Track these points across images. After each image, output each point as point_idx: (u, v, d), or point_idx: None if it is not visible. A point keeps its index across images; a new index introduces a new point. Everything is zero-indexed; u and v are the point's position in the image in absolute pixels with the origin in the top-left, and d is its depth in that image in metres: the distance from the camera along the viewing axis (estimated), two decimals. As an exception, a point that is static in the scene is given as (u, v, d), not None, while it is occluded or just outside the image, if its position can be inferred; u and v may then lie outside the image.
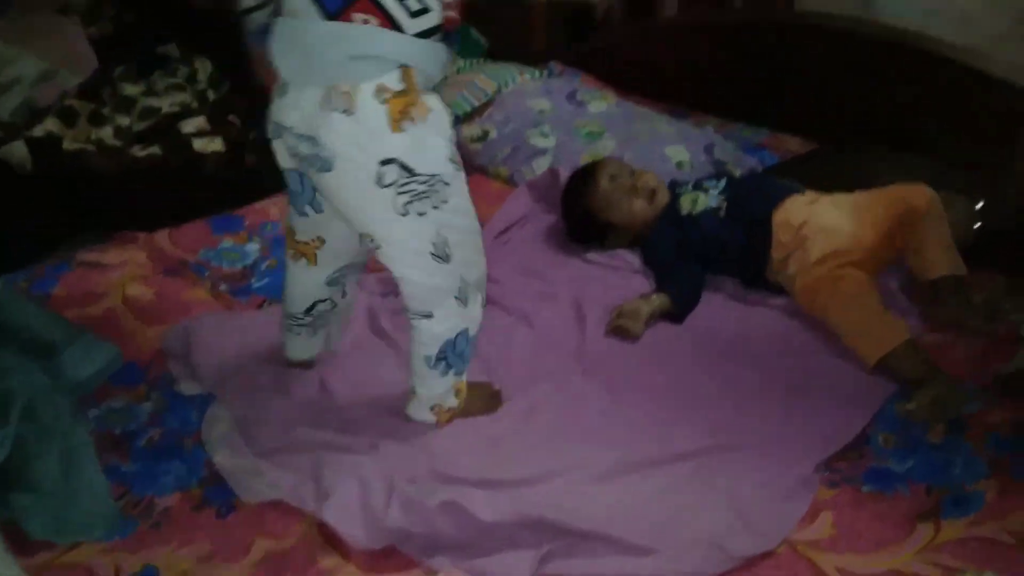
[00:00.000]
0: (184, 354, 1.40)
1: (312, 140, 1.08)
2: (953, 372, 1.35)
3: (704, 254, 1.59)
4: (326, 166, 1.08)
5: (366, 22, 1.04)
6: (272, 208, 1.86)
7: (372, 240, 1.15)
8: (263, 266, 1.69)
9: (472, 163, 1.99)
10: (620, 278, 1.62)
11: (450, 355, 1.22)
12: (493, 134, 2.04)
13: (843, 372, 1.37)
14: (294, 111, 1.09)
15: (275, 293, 1.61)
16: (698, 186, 1.70)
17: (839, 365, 1.38)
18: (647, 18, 2.37)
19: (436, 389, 1.24)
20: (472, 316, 1.22)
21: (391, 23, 1.05)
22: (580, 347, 1.44)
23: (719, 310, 1.53)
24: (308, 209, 1.22)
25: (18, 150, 1.95)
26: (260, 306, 1.58)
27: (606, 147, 1.95)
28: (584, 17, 2.48)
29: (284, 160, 1.17)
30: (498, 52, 2.53)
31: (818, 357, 1.41)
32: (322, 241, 1.26)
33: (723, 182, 1.69)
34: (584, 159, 1.86)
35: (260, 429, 1.24)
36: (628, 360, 1.41)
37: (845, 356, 1.39)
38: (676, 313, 1.51)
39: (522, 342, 1.45)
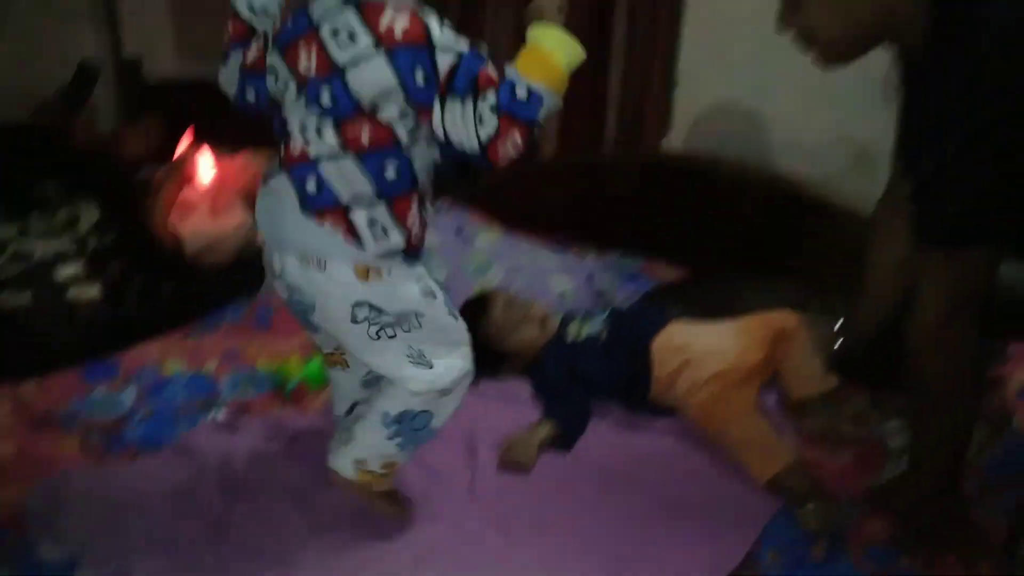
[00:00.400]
0: (48, 515, 1.30)
1: (295, 289, 1.20)
2: (827, 487, 1.41)
3: (589, 380, 1.63)
4: (310, 308, 1.22)
5: (335, 229, 1.15)
6: (151, 352, 1.80)
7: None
8: (138, 415, 1.61)
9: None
10: (511, 409, 1.63)
11: (405, 424, 1.25)
12: (382, 270, 2.07)
13: (728, 493, 1.41)
14: (278, 265, 1.21)
15: (151, 443, 1.53)
16: (587, 315, 1.77)
17: (724, 486, 1.43)
18: (529, 158, 2.50)
19: (374, 447, 1.26)
20: (443, 407, 1.27)
21: (357, 240, 1.15)
22: (471, 484, 1.43)
23: (606, 436, 1.56)
24: (313, 329, 1.30)
25: None
26: (134, 458, 1.50)
27: (493, 278, 2.01)
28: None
29: (282, 293, 1.26)
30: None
31: (705, 479, 1.45)
32: (343, 349, 1.31)
33: (608, 311, 1.76)
34: (474, 291, 1.90)
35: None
36: (521, 495, 1.41)
37: (728, 477, 1.43)
38: (564, 440, 1.53)
39: (412, 482, 1.43)
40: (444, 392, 1.25)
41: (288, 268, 1.19)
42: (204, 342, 1.86)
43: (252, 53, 1.23)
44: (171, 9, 3.39)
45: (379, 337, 1.20)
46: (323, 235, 1.15)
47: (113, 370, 1.73)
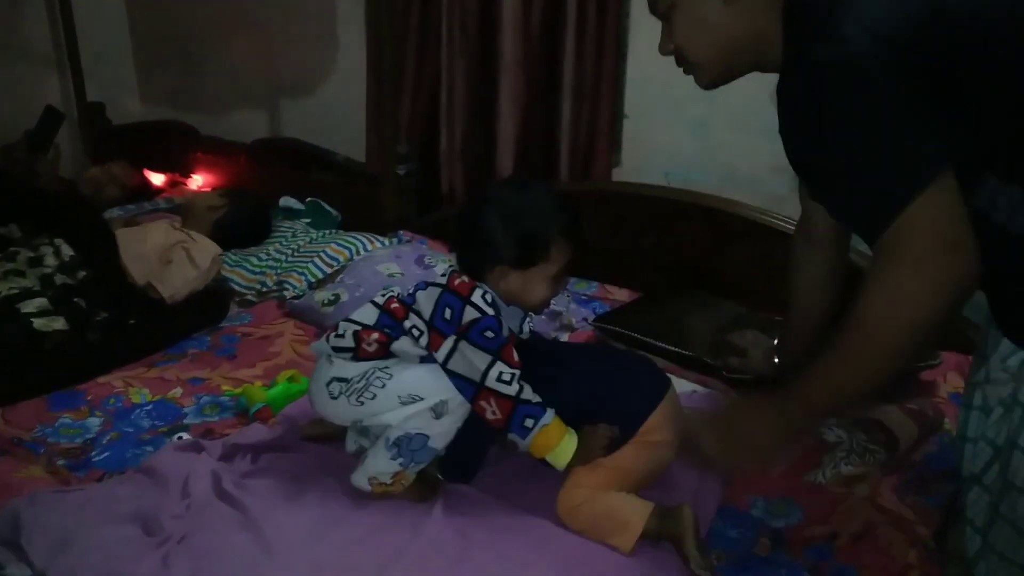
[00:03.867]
0: (13, 536, 1.32)
1: None
2: (768, 488, 1.48)
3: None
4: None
5: None
6: (116, 382, 1.84)
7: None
8: (104, 439, 1.64)
9: (323, 326, 2.06)
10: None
11: (403, 446, 1.36)
12: (344, 297, 2.13)
13: (681, 475, 1.45)
14: None
15: (116, 466, 1.56)
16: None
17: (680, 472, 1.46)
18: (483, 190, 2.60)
19: (380, 466, 1.38)
20: (439, 430, 1.37)
21: None
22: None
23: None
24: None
25: None
26: (100, 479, 1.53)
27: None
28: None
29: None
30: (351, 224, 2.68)
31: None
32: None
33: None
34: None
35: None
36: (482, 505, 1.45)
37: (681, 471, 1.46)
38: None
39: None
40: (438, 413, 1.36)
41: None
42: (168, 371, 1.90)
43: None
44: (135, 55, 3.47)
45: (362, 403, 1.38)
46: None
47: (78, 399, 1.76)
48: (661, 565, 1.30)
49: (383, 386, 1.38)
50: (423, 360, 1.40)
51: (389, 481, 1.39)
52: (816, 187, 1.22)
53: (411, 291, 1.46)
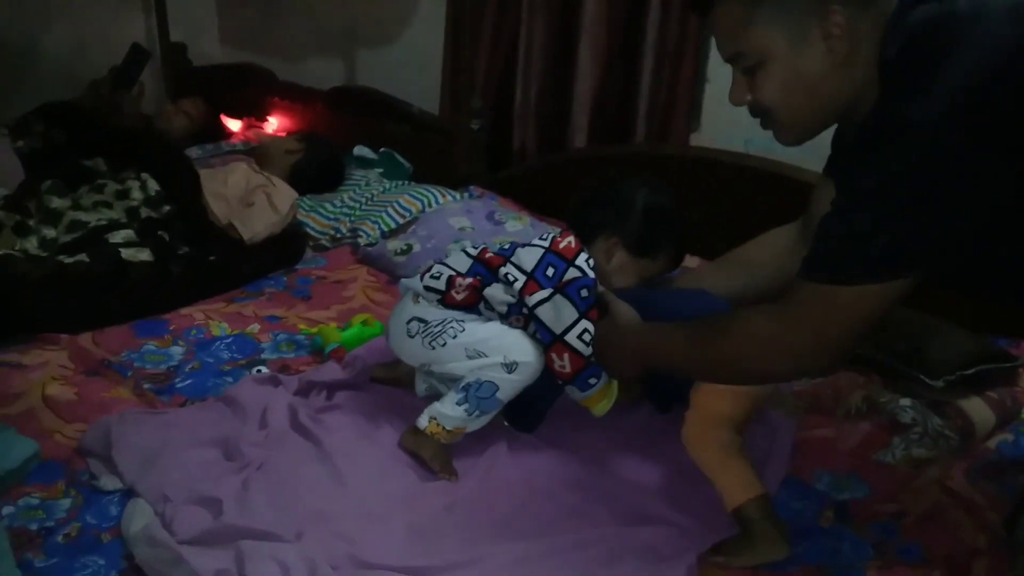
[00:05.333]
0: (104, 450, 1.40)
1: None
2: (835, 464, 1.47)
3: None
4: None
5: None
6: (197, 314, 1.90)
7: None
8: (187, 368, 1.71)
9: (395, 274, 2.10)
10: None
11: (471, 392, 1.40)
12: (416, 247, 2.16)
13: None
14: None
15: (198, 393, 1.63)
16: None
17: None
18: (559, 150, 2.59)
19: (446, 409, 1.42)
20: (508, 384, 1.40)
21: None
22: (491, 444, 1.48)
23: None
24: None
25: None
26: (183, 405, 1.60)
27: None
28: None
29: None
30: (422, 176, 2.71)
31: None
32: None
33: None
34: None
35: (183, 520, 1.24)
36: (542, 453, 1.48)
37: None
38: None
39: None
40: (509, 369, 1.39)
41: None
42: (246, 308, 1.96)
43: None
44: (216, -2, 3.51)
45: (434, 348, 1.43)
46: None
47: (162, 327, 1.84)
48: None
49: (454, 336, 1.42)
50: (503, 318, 1.44)
51: (449, 427, 1.42)
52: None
53: (507, 248, 1.50)
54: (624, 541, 1.28)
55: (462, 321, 1.44)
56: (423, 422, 1.44)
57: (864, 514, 1.38)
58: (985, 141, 0.97)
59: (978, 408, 1.54)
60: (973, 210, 1.00)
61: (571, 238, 1.45)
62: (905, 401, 1.56)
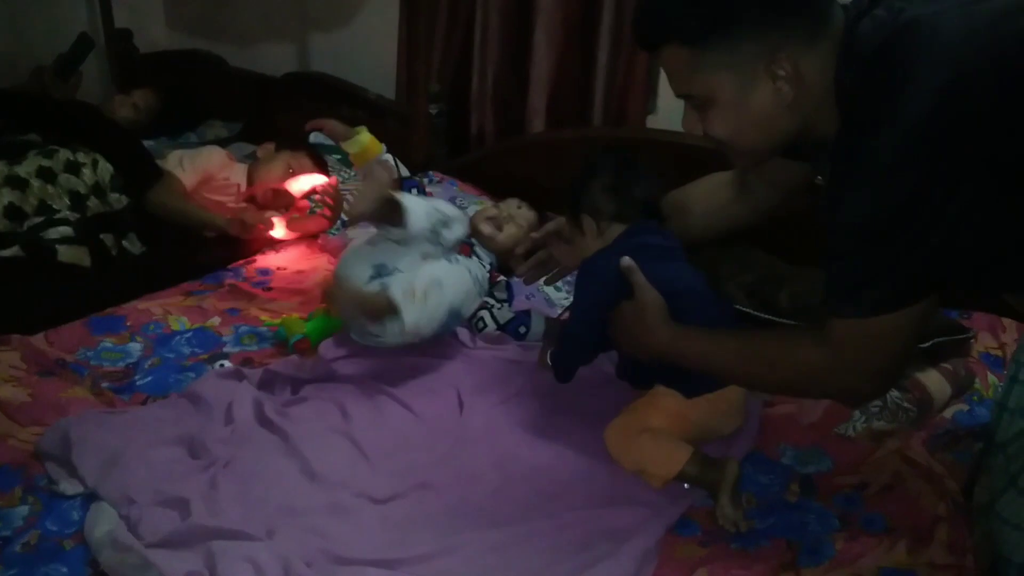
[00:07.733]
0: (63, 453, 1.36)
1: None
2: (798, 439, 1.51)
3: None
4: None
5: None
6: (155, 308, 1.86)
7: None
8: (146, 364, 1.67)
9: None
10: (502, 368, 1.69)
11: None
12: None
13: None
14: None
15: (159, 390, 1.59)
16: None
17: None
18: (517, 136, 2.58)
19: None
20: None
21: None
22: (463, 432, 1.48)
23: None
24: None
25: None
26: (144, 403, 1.56)
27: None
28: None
29: None
30: (380, 162, 2.67)
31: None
32: None
33: None
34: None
35: (149, 522, 1.21)
36: (515, 439, 1.48)
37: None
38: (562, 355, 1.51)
39: (413, 431, 1.50)
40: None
41: None
42: (205, 301, 1.92)
43: None
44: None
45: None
46: None
47: (119, 324, 1.79)
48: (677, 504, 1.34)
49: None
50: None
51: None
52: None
53: None
54: (600, 523, 1.29)
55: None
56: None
57: (828, 487, 1.41)
58: (961, 157, 0.97)
59: (935, 380, 1.58)
60: (969, 222, 1.00)
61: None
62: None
